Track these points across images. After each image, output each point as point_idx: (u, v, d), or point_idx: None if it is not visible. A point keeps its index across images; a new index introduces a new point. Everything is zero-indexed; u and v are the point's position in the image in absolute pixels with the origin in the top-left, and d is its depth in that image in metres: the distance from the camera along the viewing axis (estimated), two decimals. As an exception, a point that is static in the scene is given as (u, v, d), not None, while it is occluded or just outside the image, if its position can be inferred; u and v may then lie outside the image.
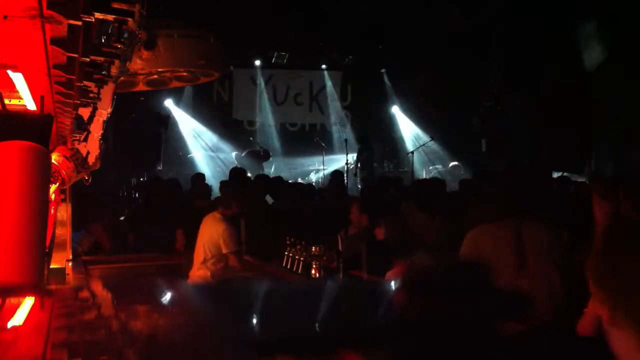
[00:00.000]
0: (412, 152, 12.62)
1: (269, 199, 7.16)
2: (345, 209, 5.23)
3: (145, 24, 1.97)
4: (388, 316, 1.34)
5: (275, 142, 14.57)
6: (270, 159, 13.41)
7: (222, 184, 6.69)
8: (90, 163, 3.67)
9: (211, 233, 5.22)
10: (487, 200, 3.76)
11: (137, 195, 10.22)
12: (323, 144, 13.63)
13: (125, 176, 11.15)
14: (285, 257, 4.60)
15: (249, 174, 9.95)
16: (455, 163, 11.40)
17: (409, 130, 14.86)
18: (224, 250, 5.15)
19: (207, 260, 5.20)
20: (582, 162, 10.41)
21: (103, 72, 2.08)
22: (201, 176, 9.11)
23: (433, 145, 13.47)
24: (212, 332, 1.20)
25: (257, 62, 14.55)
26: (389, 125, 15.16)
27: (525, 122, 12.14)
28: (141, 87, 6.27)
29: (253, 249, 5.44)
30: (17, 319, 1.34)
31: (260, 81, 14.82)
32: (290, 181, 9.74)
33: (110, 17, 1.65)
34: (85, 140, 3.22)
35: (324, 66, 14.95)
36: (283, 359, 1.09)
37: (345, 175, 10.45)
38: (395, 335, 1.16)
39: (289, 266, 4.54)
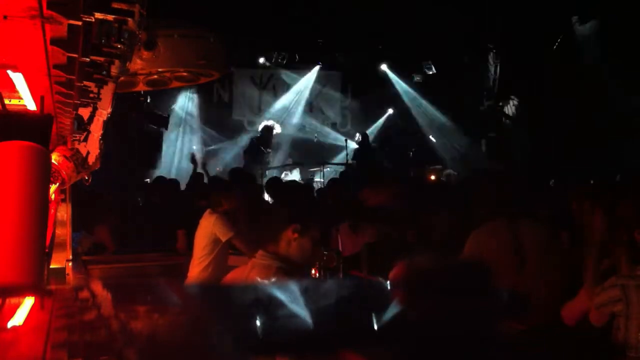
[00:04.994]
0: (412, 152, 12.63)
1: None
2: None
3: (145, 24, 1.97)
4: (388, 316, 1.34)
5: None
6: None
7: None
8: (90, 163, 3.66)
9: (205, 228, 5.25)
10: (482, 200, 3.76)
11: (137, 195, 10.22)
12: (322, 143, 13.66)
13: (125, 176, 11.15)
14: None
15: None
16: (449, 171, 11.46)
17: None
18: (223, 239, 5.17)
19: (201, 257, 5.23)
20: (581, 162, 10.40)
21: (103, 72, 2.08)
22: (201, 176, 9.11)
23: (434, 144, 13.50)
24: (212, 332, 1.20)
25: (258, 62, 14.56)
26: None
27: (525, 122, 12.14)
28: (141, 87, 6.27)
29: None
30: (17, 319, 1.34)
31: (261, 81, 14.82)
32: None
33: (110, 17, 1.65)
34: (85, 140, 3.22)
35: (323, 66, 14.94)
36: (283, 359, 1.09)
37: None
38: (395, 335, 1.15)
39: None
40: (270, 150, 12.32)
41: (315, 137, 14.57)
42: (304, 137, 14.70)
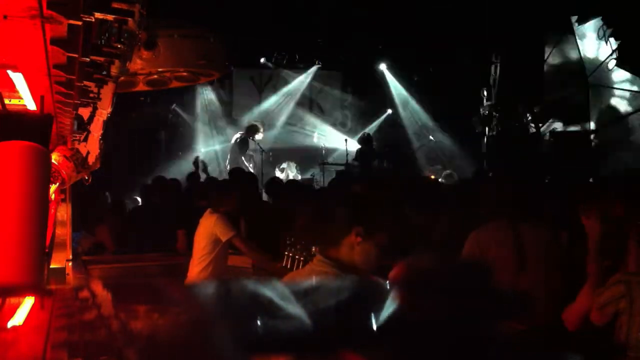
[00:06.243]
0: (412, 152, 12.62)
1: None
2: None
3: (145, 24, 1.98)
4: (388, 316, 1.34)
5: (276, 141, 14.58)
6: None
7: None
8: (90, 163, 3.67)
9: (206, 228, 5.24)
10: (485, 200, 3.76)
11: (137, 195, 10.22)
12: (323, 143, 13.64)
13: (125, 176, 11.15)
14: (285, 257, 4.60)
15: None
16: (448, 172, 11.47)
17: None
18: (223, 239, 5.16)
19: (201, 257, 5.23)
20: (581, 162, 10.41)
21: (103, 72, 2.08)
22: (199, 176, 9.10)
23: (433, 145, 13.50)
24: (212, 332, 1.20)
25: (258, 62, 14.56)
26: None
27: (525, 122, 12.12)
28: (141, 87, 6.28)
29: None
30: (17, 319, 1.34)
31: (261, 81, 14.81)
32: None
33: (110, 17, 1.65)
34: (85, 140, 3.23)
35: (323, 66, 14.93)
36: (283, 359, 1.09)
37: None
38: (395, 335, 1.15)
39: (289, 266, 4.54)
40: (251, 138, 12.42)
41: (315, 136, 14.56)
42: (304, 137, 14.70)
